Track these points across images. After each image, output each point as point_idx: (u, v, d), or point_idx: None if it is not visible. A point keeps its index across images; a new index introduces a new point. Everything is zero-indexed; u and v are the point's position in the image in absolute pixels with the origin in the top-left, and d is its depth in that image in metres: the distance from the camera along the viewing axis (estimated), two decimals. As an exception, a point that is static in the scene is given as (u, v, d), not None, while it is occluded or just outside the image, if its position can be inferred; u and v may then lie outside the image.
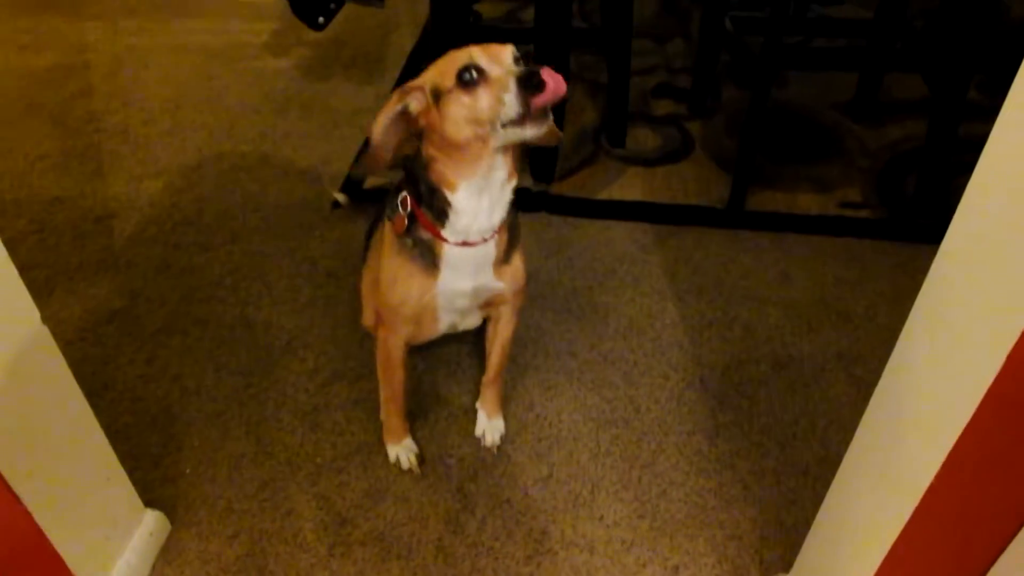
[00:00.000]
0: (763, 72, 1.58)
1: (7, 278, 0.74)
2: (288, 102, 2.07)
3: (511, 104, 0.80)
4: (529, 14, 2.40)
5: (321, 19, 1.89)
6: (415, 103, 0.87)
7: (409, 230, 0.96)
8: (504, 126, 0.82)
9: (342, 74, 2.22)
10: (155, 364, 1.34)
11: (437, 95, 0.85)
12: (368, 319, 1.21)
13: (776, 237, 1.63)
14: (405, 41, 2.36)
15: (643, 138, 1.93)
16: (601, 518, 1.11)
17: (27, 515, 0.73)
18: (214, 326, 1.41)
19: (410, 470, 1.18)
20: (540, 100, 0.80)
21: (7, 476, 0.71)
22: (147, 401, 1.28)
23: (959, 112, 1.58)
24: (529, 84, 0.79)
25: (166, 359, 1.35)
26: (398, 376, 1.14)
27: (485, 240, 0.94)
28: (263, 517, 1.11)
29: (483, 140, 0.84)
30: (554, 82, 0.80)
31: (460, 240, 0.93)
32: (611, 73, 1.77)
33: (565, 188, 1.74)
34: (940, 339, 0.64)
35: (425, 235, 0.95)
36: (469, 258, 0.96)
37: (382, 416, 1.21)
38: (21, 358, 0.75)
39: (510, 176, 0.91)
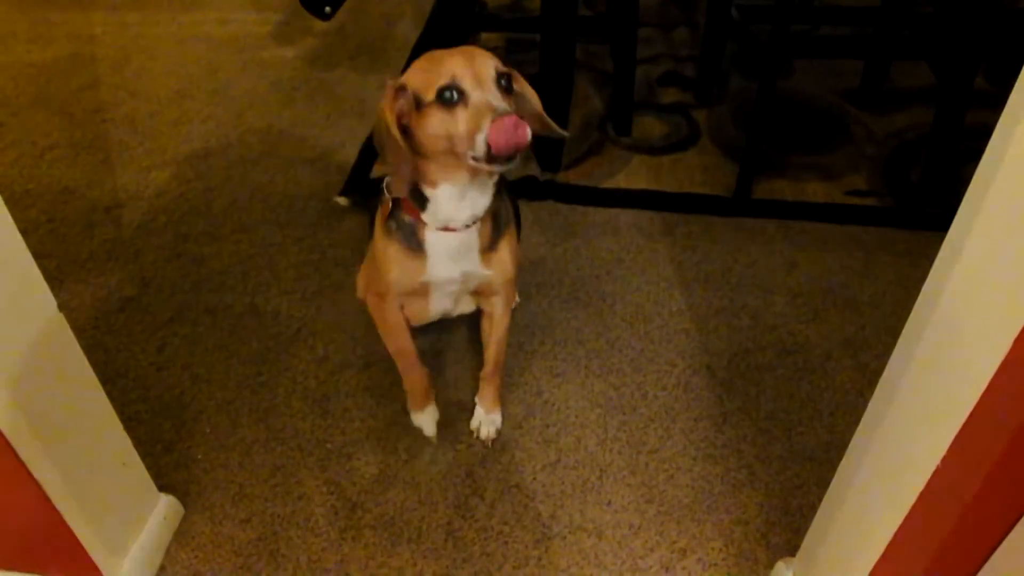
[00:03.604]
0: (770, 61, 1.57)
1: (24, 267, 0.75)
2: (295, 92, 2.07)
3: (480, 143, 0.81)
4: (534, 2, 2.39)
5: (328, 8, 1.88)
6: (403, 101, 0.87)
7: (393, 214, 0.98)
8: (473, 158, 0.83)
9: (348, 64, 2.21)
10: (166, 352, 1.36)
11: (418, 102, 0.85)
12: (361, 291, 1.21)
13: (783, 225, 1.63)
14: (409, 30, 2.36)
15: (649, 126, 1.93)
16: (609, 503, 1.12)
17: (47, 500, 0.75)
18: (223, 315, 1.42)
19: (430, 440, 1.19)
20: (499, 150, 0.80)
21: (27, 462, 0.72)
22: (159, 388, 1.29)
23: (966, 100, 1.57)
24: (500, 130, 0.79)
25: (177, 347, 1.36)
26: (404, 339, 1.13)
27: (467, 227, 0.95)
28: (275, 502, 1.12)
29: (457, 157, 0.85)
30: (515, 136, 0.79)
31: (441, 226, 0.95)
32: (617, 62, 1.76)
33: (572, 177, 1.75)
34: (946, 326, 0.64)
35: (408, 219, 0.96)
36: (452, 244, 0.97)
37: (405, 386, 1.20)
38: (38, 346, 0.76)
39: (492, 173, 0.92)
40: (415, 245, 0.97)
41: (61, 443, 0.79)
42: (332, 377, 1.31)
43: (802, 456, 1.18)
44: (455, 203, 0.92)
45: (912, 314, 0.68)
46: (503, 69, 0.85)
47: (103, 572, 0.91)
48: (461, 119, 0.82)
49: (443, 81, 0.82)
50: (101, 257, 1.55)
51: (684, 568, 1.04)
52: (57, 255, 1.55)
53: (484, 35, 2.28)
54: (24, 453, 0.72)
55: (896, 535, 0.73)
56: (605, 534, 1.08)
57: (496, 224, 0.99)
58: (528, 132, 0.81)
